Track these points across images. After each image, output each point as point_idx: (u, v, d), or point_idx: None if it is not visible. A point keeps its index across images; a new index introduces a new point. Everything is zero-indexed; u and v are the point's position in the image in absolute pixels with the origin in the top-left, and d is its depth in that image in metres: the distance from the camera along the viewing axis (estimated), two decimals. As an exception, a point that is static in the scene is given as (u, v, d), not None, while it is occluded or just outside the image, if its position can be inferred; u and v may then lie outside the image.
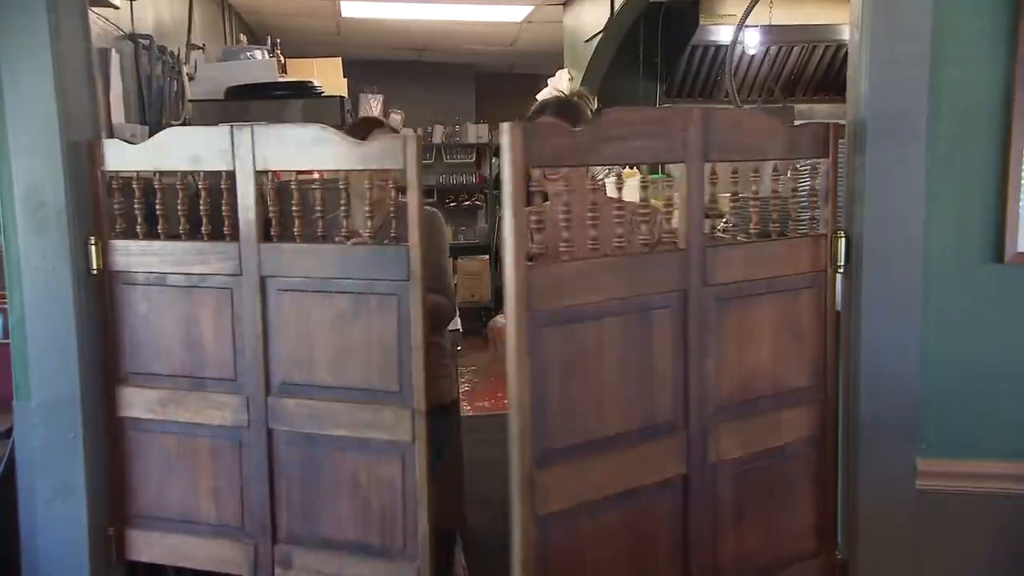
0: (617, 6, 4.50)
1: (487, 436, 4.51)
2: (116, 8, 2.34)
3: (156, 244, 1.97)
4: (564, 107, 2.12)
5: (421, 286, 1.74)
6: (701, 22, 4.65)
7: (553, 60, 5.91)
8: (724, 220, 2.93)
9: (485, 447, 4.21)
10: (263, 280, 1.87)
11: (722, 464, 1.83)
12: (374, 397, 1.82)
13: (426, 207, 1.98)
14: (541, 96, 5.80)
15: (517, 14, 5.84)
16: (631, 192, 4.25)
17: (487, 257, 7.68)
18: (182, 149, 1.91)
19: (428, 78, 7.99)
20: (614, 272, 1.67)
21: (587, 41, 5.00)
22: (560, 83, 5.44)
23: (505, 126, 1.50)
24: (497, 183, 9.37)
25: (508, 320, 1.57)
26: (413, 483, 1.80)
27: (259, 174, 1.84)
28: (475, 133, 8.38)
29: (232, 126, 1.86)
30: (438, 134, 8.17)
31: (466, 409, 5.18)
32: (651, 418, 1.74)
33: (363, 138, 2.08)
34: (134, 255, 1.99)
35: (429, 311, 1.84)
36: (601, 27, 4.70)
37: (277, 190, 1.98)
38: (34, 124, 1.93)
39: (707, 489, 1.82)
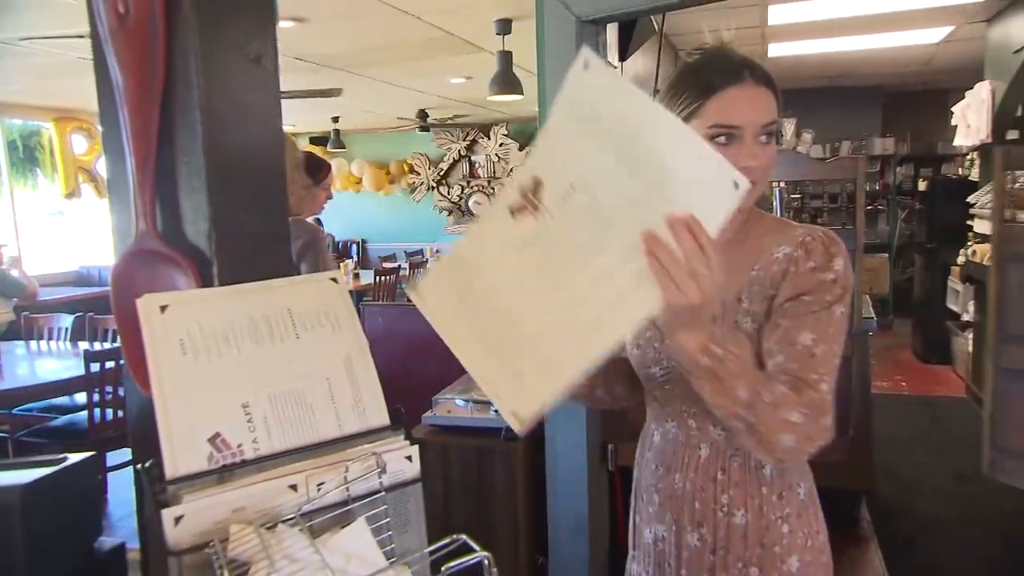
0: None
1: (885, 414, 4.72)
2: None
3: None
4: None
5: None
6: None
7: (969, 74, 5.75)
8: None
9: (885, 424, 4.45)
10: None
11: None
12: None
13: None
14: (958, 109, 5.67)
15: (934, 36, 5.78)
16: None
17: (886, 255, 7.77)
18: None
19: (837, 100, 8.23)
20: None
21: (1016, 52, 4.84)
22: (981, 95, 5.31)
23: None
24: (900, 189, 9.33)
25: None
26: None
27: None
28: (880, 146, 8.46)
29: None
30: (844, 148, 8.31)
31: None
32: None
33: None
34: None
35: None
36: (1032, 38, 4.55)
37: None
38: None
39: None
